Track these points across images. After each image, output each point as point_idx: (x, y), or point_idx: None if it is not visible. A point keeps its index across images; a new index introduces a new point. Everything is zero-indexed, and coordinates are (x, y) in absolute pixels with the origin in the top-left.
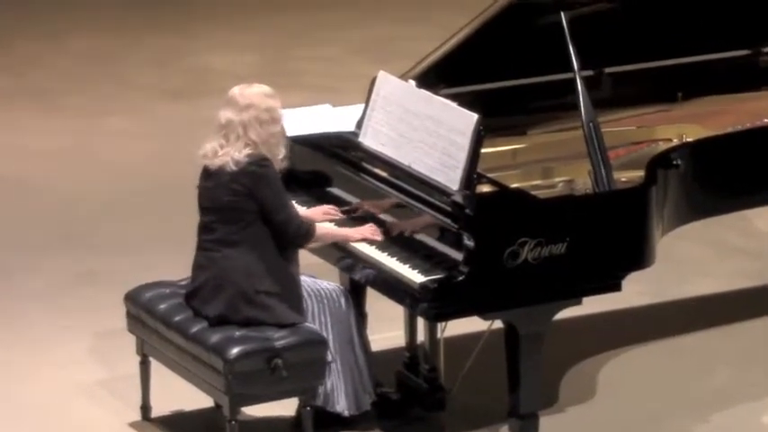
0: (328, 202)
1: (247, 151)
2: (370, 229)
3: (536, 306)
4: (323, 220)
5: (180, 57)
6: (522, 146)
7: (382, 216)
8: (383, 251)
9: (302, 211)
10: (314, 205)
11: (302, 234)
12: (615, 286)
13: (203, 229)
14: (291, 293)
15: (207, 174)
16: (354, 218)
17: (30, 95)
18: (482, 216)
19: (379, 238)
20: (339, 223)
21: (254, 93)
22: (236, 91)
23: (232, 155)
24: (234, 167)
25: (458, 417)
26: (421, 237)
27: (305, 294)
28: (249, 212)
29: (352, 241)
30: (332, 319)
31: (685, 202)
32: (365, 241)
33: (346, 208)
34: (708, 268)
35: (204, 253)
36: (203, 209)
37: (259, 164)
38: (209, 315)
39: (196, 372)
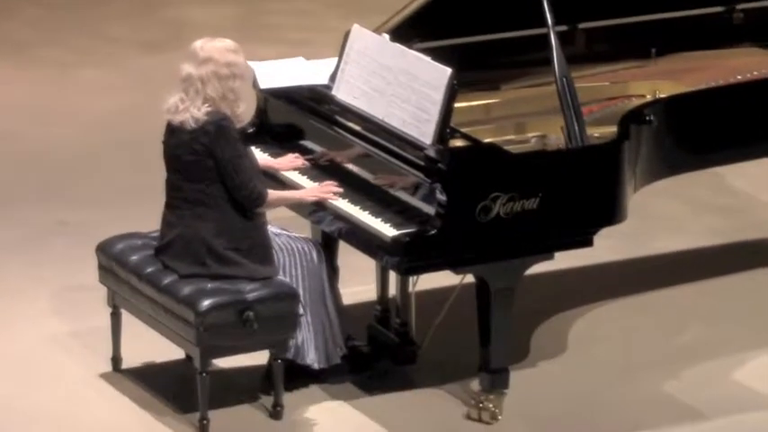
0: (300, 155)
1: (206, 108)
2: (324, 188)
3: (508, 261)
4: (290, 168)
5: (155, 9)
6: (496, 101)
7: (350, 166)
8: (355, 204)
9: (269, 161)
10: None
11: (253, 199)
12: (587, 242)
13: (170, 186)
14: (261, 248)
15: (170, 130)
16: (322, 166)
17: (4, 46)
18: (455, 170)
19: (333, 197)
20: (306, 171)
21: (215, 47)
22: (198, 44)
23: (192, 112)
24: (193, 125)
25: (428, 371)
26: (393, 190)
27: (276, 248)
28: (211, 170)
29: (307, 202)
30: (303, 272)
31: (658, 158)
32: (322, 200)
33: (312, 156)
34: (680, 225)
35: (172, 210)
36: (168, 166)
37: (218, 123)
38: (180, 272)
39: (167, 324)
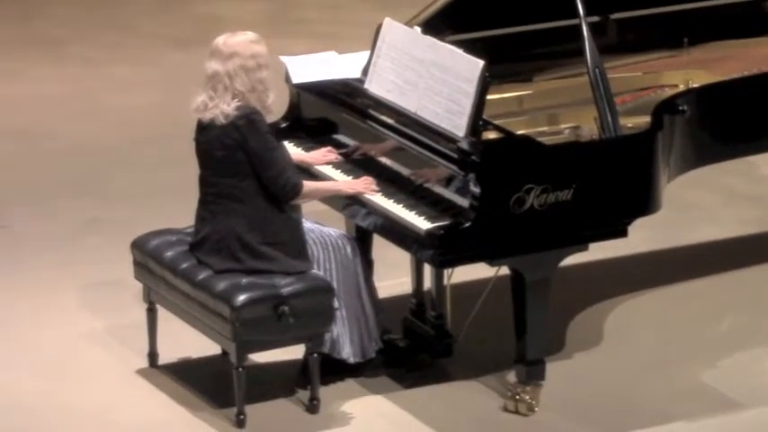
0: (334, 149)
1: (236, 103)
2: (363, 183)
3: (542, 252)
4: (323, 162)
5: (186, 4)
6: (528, 92)
7: (383, 159)
8: (389, 198)
9: (302, 156)
10: None
11: (288, 190)
12: (621, 232)
13: (203, 182)
14: (296, 242)
15: (200, 127)
16: (355, 160)
17: (35, 44)
18: (488, 162)
19: (372, 192)
20: (340, 165)
21: (237, 41)
22: (219, 41)
23: (221, 108)
24: (223, 121)
25: (464, 363)
26: (427, 183)
27: (310, 242)
28: (243, 165)
29: (345, 194)
30: (338, 266)
31: (692, 147)
32: (359, 194)
33: (346, 150)
34: (714, 214)
35: (205, 206)
36: (201, 163)
37: (248, 117)
38: (214, 268)
39: (203, 319)
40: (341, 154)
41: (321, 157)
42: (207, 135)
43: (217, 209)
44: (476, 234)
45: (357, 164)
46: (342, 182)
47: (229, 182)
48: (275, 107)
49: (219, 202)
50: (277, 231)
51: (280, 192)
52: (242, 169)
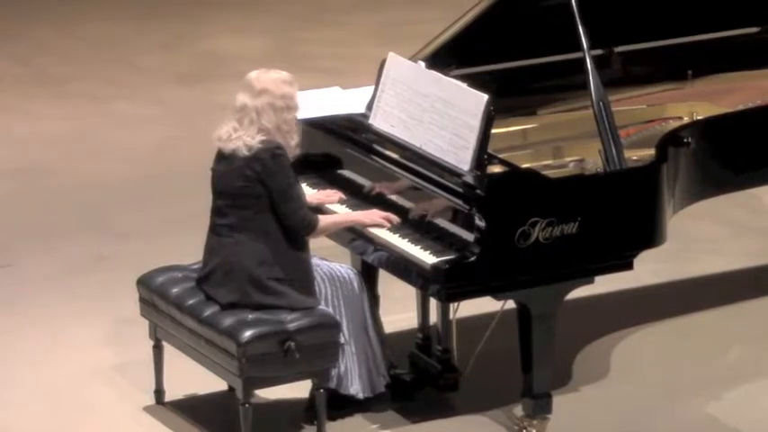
0: (339, 185)
1: (261, 137)
2: (380, 214)
3: (548, 286)
4: (330, 202)
5: (189, 41)
6: (533, 126)
7: (394, 198)
8: (395, 233)
9: (310, 194)
10: (325, 188)
11: (304, 226)
12: (627, 265)
13: (216, 212)
14: (303, 279)
15: (220, 157)
16: (361, 196)
17: (39, 81)
18: (493, 196)
19: (388, 223)
20: (346, 201)
21: (270, 78)
22: (253, 75)
23: (245, 140)
24: (246, 153)
25: (471, 397)
26: (433, 218)
27: (318, 278)
28: (260, 198)
29: (362, 225)
30: (345, 301)
31: (696, 179)
32: (376, 226)
33: (366, 190)
34: (719, 246)
35: (216, 237)
36: (216, 192)
37: (273, 151)
38: (220, 302)
39: (209, 355)
40: (351, 193)
41: (326, 198)
42: (226, 165)
43: (227, 241)
44: (481, 268)
45: (363, 199)
46: (359, 212)
47: (243, 214)
48: (298, 149)
49: (230, 235)
50: (286, 267)
51: (296, 226)
52: (258, 203)
